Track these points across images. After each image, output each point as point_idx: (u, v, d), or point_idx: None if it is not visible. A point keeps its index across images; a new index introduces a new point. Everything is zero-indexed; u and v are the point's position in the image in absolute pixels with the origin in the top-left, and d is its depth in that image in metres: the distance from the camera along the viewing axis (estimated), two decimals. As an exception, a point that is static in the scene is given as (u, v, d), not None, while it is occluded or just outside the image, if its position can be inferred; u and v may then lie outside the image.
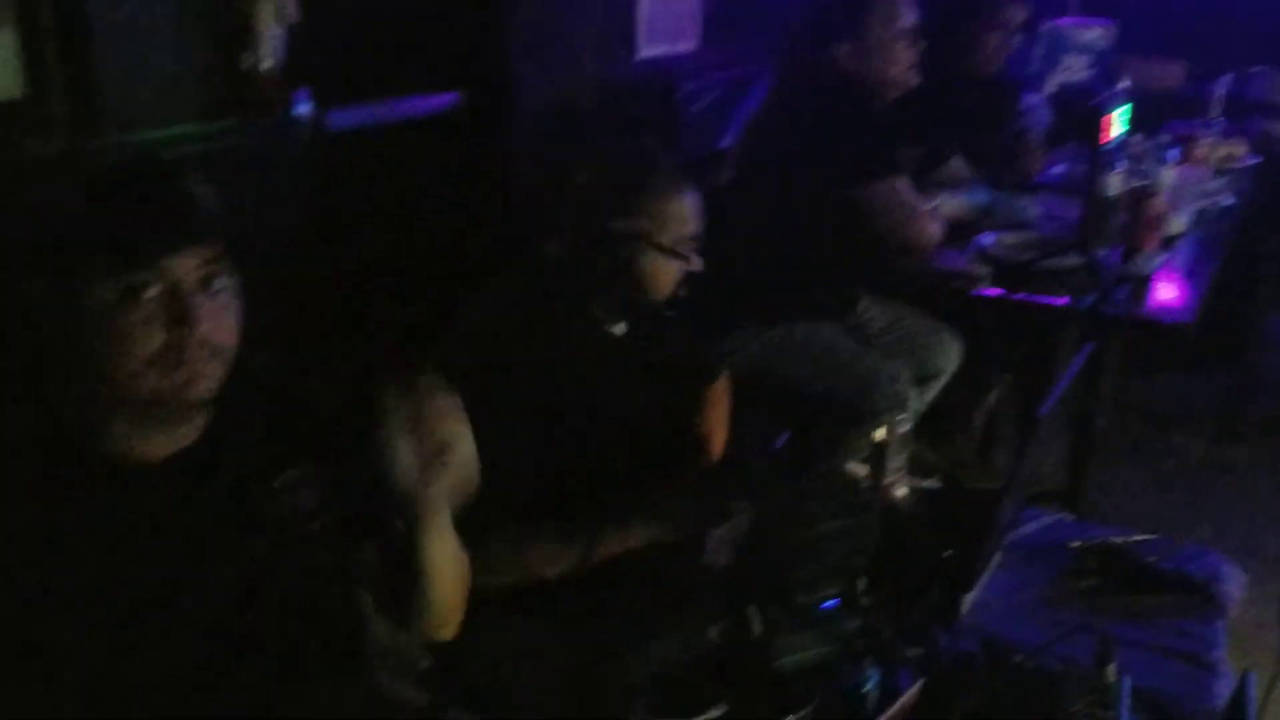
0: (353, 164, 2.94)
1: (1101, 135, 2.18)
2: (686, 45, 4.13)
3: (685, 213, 1.80)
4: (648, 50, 3.89)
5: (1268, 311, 4.05)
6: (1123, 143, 2.53)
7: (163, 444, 1.24)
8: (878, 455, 1.98)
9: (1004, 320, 2.48)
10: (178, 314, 1.17)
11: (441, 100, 3.21)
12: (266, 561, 1.29)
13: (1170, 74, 4.97)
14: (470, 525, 1.59)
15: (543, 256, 1.86)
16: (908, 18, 2.49)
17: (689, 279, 1.85)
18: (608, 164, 1.85)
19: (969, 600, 1.68)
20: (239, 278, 1.25)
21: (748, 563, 1.55)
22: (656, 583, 1.83)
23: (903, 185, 2.39)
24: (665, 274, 1.81)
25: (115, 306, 1.15)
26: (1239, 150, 3.54)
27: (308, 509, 1.34)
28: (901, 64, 2.48)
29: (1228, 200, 2.96)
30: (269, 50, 2.53)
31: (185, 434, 1.25)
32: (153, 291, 1.16)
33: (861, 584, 1.59)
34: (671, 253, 1.79)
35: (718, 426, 2.11)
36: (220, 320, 1.21)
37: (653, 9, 3.85)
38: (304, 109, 2.72)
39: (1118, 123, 2.35)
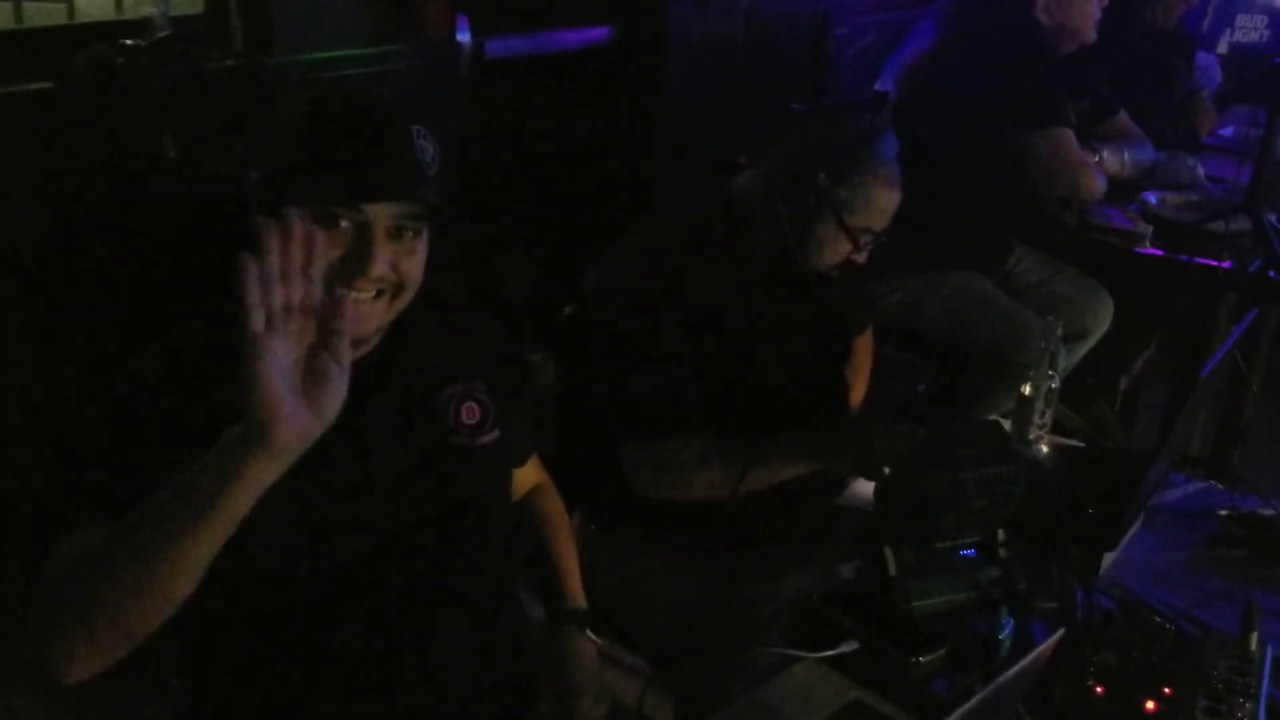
0: (509, 92, 2.99)
1: (1282, 97, 2.09)
2: (846, -15, 4.03)
3: (882, 205, 1.80)
4: (801, -13, 3.82)
5: None
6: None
7: None
8: (1023, 410, 1.97)
9: (1162, 281, 2.40)
10: (362, 250, 1.22)
11: (595, 33, 3.23)
12: (429, 466, 1.35)
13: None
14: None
15: (729, 189, 1.87)
16: None
17: (845, 265, 1.85)
18: (839, 125, 1.83)
19: (1109, 559, 1.66)
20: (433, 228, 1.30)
21: (888, 504, 1.55)
22: (795, 518, 1.86)
23: (1068, 135, 2.33)
24: (833, 251, 1.81)
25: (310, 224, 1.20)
26: None
27: (473, 422, 1.39)
28: (1090, 19, 2.45)
29: None
30: (435, -24, 2.58)
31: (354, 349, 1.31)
32: (344, 223, 1.22)
33: (1001, 534, 1.59)
34: (850, 235, 1.79)
35: (859, 376, 2.12)
36: (399, 263, 1.25)
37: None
38: (465, 37, 2.77)
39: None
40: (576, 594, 1.56)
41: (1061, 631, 1.17)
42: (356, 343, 1.27)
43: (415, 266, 1.28)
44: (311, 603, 1.27)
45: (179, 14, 2.15)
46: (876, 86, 4.20)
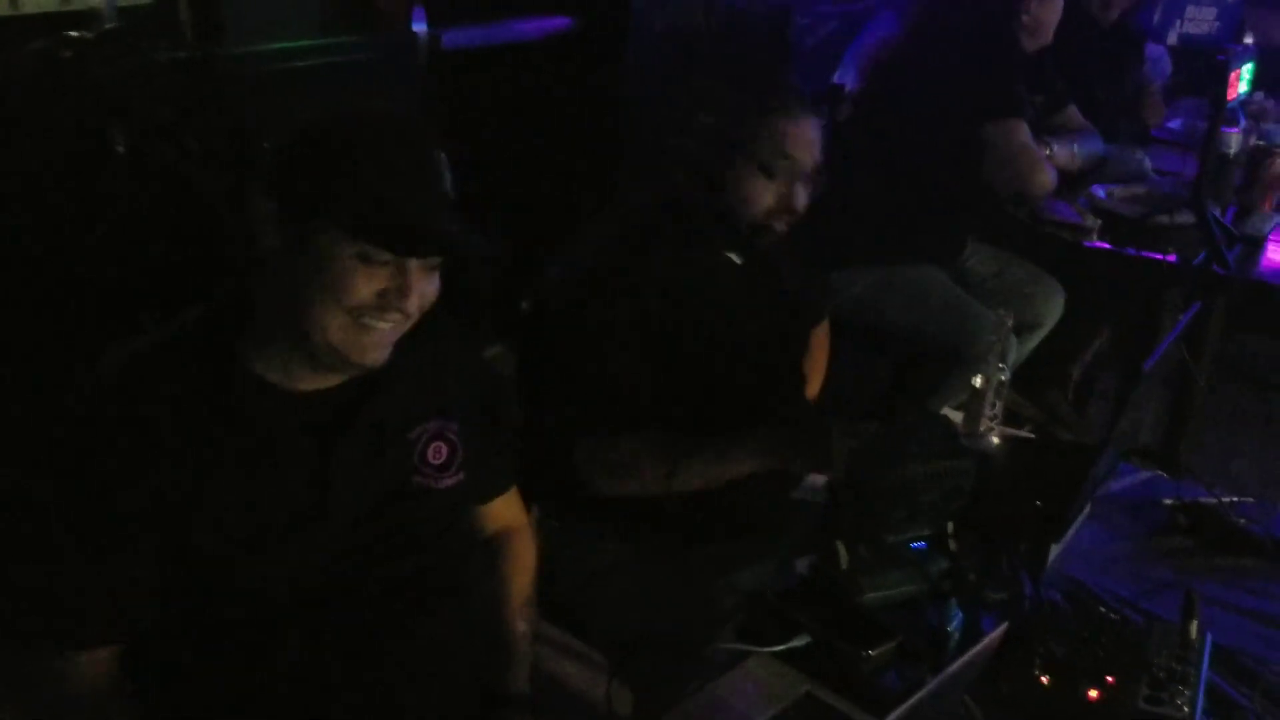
0: (467, 83, 2.97)
1: (1227, 91, 2.12)
2: (807, -26, 4.05)
3: (788, 131, 1.74)
4: (768, -22, 3.83)
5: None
6: (1245, 100, 2.45)
7: (311, 379, 1.29)
8: (974, 402, 1.99)
9: (1110, 274, 2.44)
10: (401, 285, 1.22)
11: (555, 23, 3.22)
12: (386, 504, 1.34)
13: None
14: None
15: (665, 178, 1.87)
16: None
17: (798, 217, 1.83)
18: (727, 74, 1.83)
19: (1056, 550, 1.69)
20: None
21: (840, 499, 1.57)
22: (750, 512, 1.87)
23: (1022, 127, 2.36)
24: (755, 194, 1.76)
25: (345, 258, 1.20)
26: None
27: (438, 462, 1.39)
28: (1053, 23, 2.48)
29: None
30: (393, -32, 2.56)
31: (332, 377, 1.31)
32: (385, 258, 1.22)
33: (951, 527, 1.61)
34: (764, 170, 1.74)
35: (816, 369, 2.13)
36: (425, 290, 1.26)
37: (770, -62, 3.79)
38: (421, 27, 2.75)
39: (1243, 79, 2.28)
40: (520, 679, 1.50)
41: (1006, 625, 1.19)
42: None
43: (434, 290, 1.29)
44: (257, 625, 1.27)
45: (126, 5, 2.12)
46: (836, 76, 4.23)
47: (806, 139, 1.77)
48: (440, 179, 1.26)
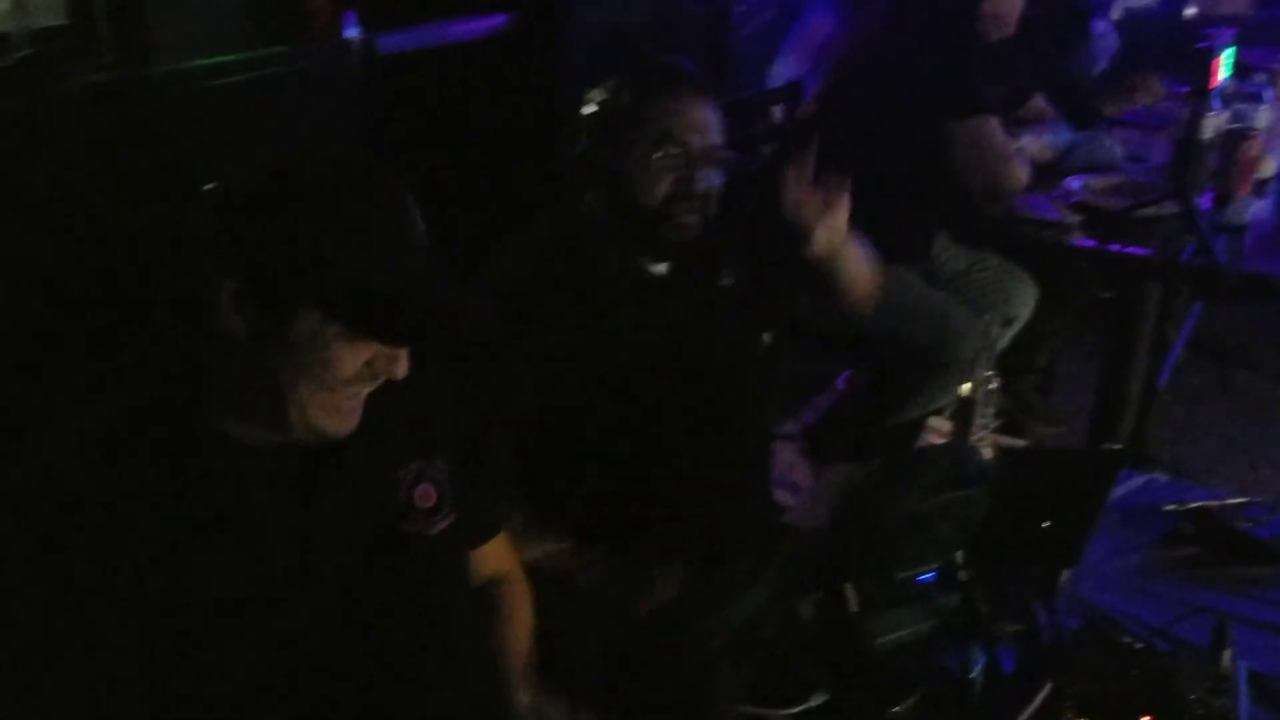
0: (405, 88, 2.85)
1: (1210, 79, 2.06)
2: (740, -38, 3.97)
3: (677, 112, 1.65)
4: (701, -32, 3.75)
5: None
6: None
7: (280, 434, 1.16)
8: (965, 412, 1.91)
9: (1094, 270, 2.38)
10: (389, 355, 1.12)
11: (492, 22, 3.11)
12: (376, 556, 1.23)
13: (1239, -1, 4.77)
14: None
15: (578, 192, 1.76)
16: None
17: (734, 222, 1.74)
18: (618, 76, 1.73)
19: (1067, 570, 1.61)
20: None
21: (848, 535, 1.48)
22: (733, 541, 1.78)
23: (993, 124, 2.28)
24: (648, 179, 1.65)
25: (329, 338, 1.08)
26: (1322, 83, 3.37)
27: (427, 506, 1.27)
28: (1017, 9, 2.41)
29: (1319, 140, 2.82)
30: (322, -28, 2.42)
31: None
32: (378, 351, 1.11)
33: (960, 556, 1.53)
34: (653, 150, 1.64)
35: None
36: (406, 361, 1.15)
37: (707, -75, 3.70)
38: (354, 33, 2.63)
39: (1224, 65, 2.22)
40: None
41: (1050, 685, 1.10)
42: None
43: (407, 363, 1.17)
44: (242, 699, 1.15)
45: (41, 25, 1.96)
46: (778, 64, 4.16)
47: (695, 120, 1.67)
48: (422, 237, 1.13)
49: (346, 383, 1.11)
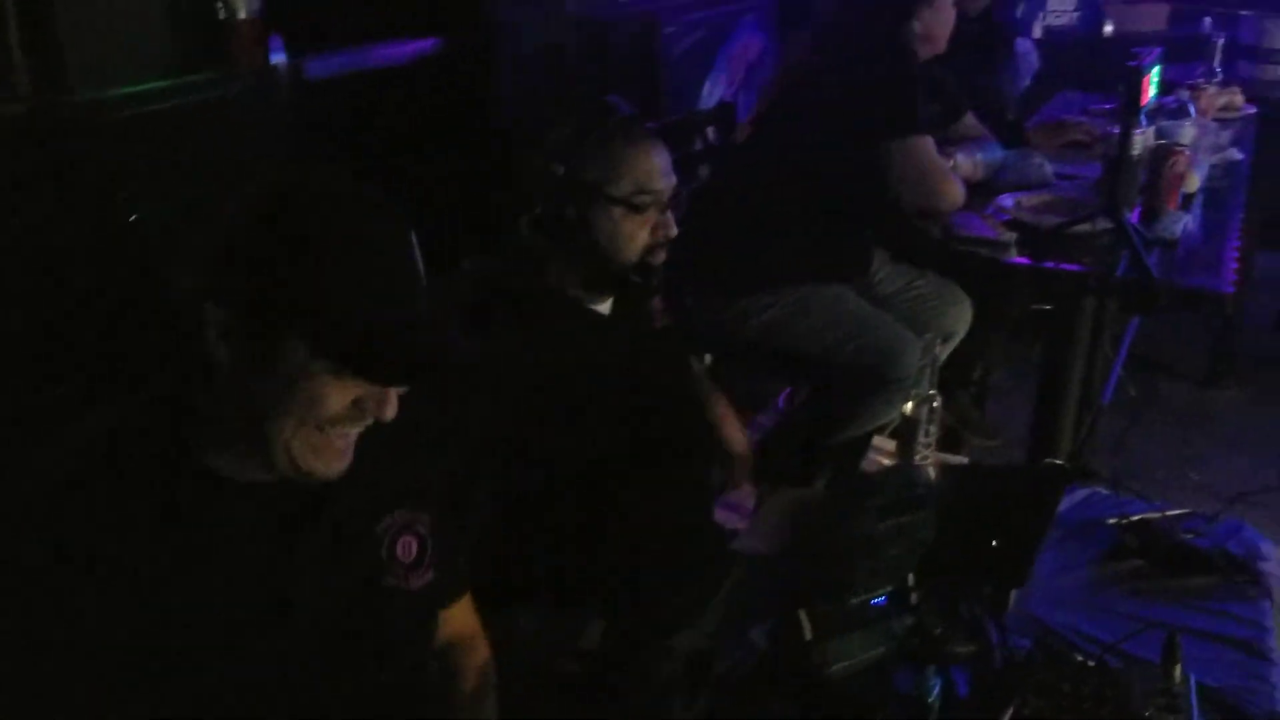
0: (333, 114, 2.80)
1: (1141, 97, 2.09)
2: (669, -16, 3.98)
3: (639, 160, 1.66)
4: (631, -10, 3.76)
5: (1252, 251, 4.02)
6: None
7: (270, 471, 1.11)
8: (908, 430, 1.91)
9: (1030, 287, 2.40)
10: (377, 396, 1.07)
11: (422, 46, 3.08)
12: (355, 609, 1.18)
13: (1155, 17, 4.90)
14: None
15: (518, 232, 1.74)
16: None
17: (671, 245, 1.73)
18: (564, 118, 1.72)
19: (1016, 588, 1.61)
20: None
21: (799, 561, 1.46)
22: (680, 564, 1.75)
23: (928, 143, 2.30)
24: (626, 234, 1.67)
25: (317, 374, 1.03)
26: (1238, 100, 3.47)
27: (409, 560, 1.23)
28: (949, 30, 2.44)
29: (1237, 155, 2.88)
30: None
31: None
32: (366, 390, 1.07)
33: (911, 578, 1.52)
34: (628, 206, 1.66)
35: (726, 415, 2.02)
36: (395, 404, 1.10)
37: (636, -53, 3.70)
38: (280, 58, 2.58)
39: (1153, 83, 2.26)
40: None
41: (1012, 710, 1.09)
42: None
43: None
44: None
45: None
46: (708, 85, 4.17)
47: (663, 166, 1.70)
48: (418, 276, 1.09)
49: (333, 422, 1.06)
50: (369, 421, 1.09)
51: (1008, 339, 3.12)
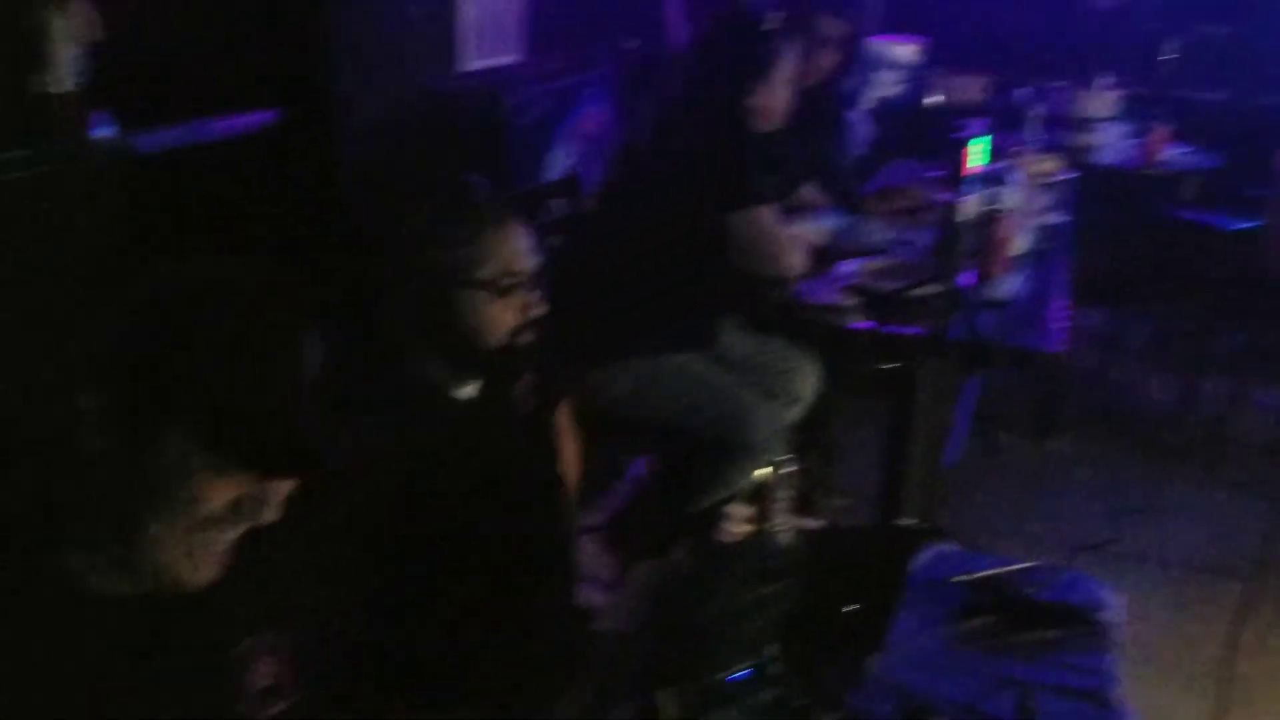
0: (167, 189, 2.70)
1: (967, 166, 2.19)
2: (512, 56, 4.01)
3: (508, 246, 1.65)
4: (473, 61, 3.76)
5: (1075, 304, 4.25)
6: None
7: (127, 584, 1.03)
8: (763, 496, 1.92)
9: (874, 350, 2.47)
10: (258, 493, 1.01)
11: (260, 118, 3.00)
12: None
13: (975, 87, 5.16)
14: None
15: (375, 317, 1.70)
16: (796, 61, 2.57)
17: (536, 325, 1.71)
18: (421, 201, 1.69)
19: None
20: None
21: (658, 639, 1.44)
22: (544, 651, 1.71)
23: (769, 214, 2.35)
24: (492, 316, 1.65)
25: (196, 468, 0.97)
26: (1055, 165, 3.67)
27: (268, 685, 1.15)
28: (785, 104, 2.50)
29: (1060, 217, 3.04)
30: (65, 70, 2.29)
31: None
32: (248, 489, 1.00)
33: (772, 651, 1.51)
34: (493, 289, 1.63)
35: (573, 461, 2.00)
36: (282, 490, 1.04)
37: (477, 21, 3.72)
38: (106, 132, 2.48)
39: (979, 153, 2.37)
40: None
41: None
42: None
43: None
44: None
45: None
46: (553, 153, 4.19)
47: (527, 246, 1.68)
48: (313, 366, 1.04)
49: (210, 524, 0.99)
50: (246, 525, 1.03)
51: (855, 397, 3.19)
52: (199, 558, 1.01)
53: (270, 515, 1.02)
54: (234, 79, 2.96)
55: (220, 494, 0.98)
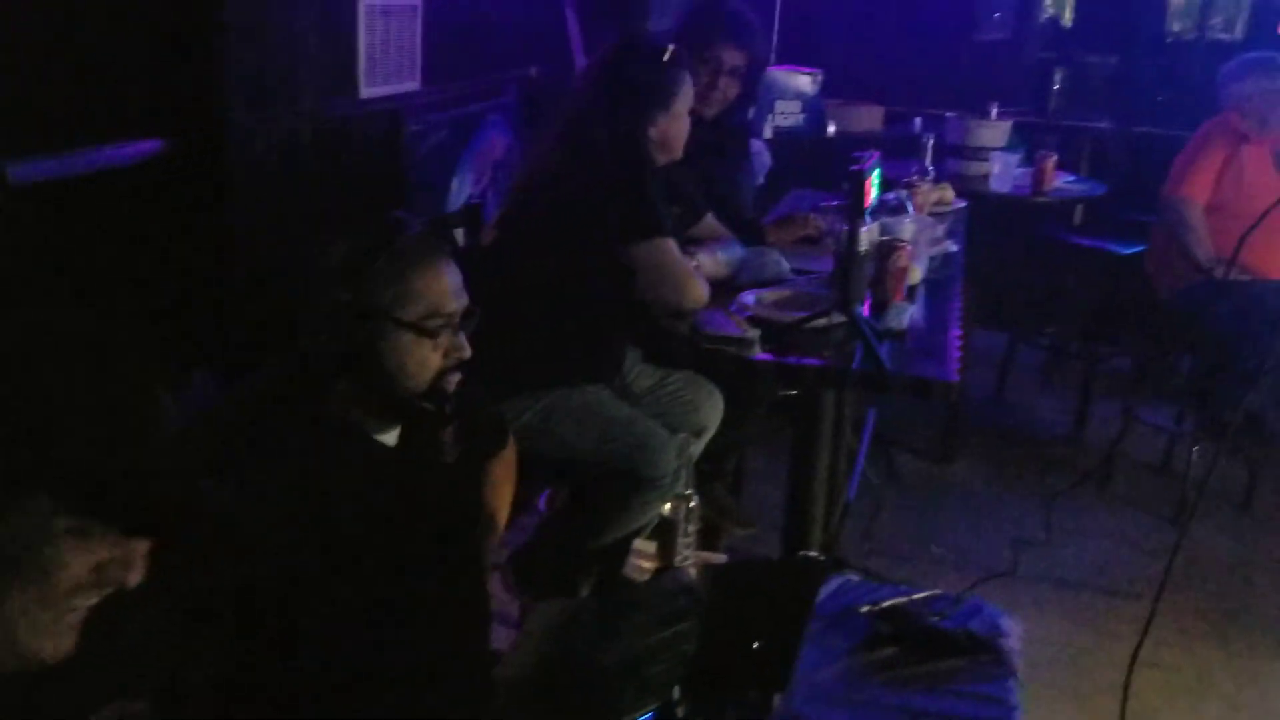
0: (45, 221, 2.59)
1: (864, 199, 2.21)
2: (410, 84, 3.95)
3: (436, 286, 1.59)
4: (371, 89, 3.70)
5: (970, 331, 4.33)
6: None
7: None
8: (667, 532, 1.91)
9: (775, 381, 2.48)
10: (122, 557, 0.95)
11: (143, 148, 2.89)
12: None
13: (871, 118, 5.27)
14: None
15: (295, 358, 1.63)
16: (693, 92, 2.57)
17: (463, 367, 1.66)
18: (343, 237, 1.63)
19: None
20: None
21: (558, 685, 1.41)
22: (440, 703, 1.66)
23: (671, 245, 2.34)
24: (417, 358, 1.59)
25: (55, 534, 0.90)
26: (949, 195, 3.74)
27: None
28: (684, 137, 2.51)
29: (953, 246, 3.10)
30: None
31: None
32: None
33: (677, 691, 1.49)
34: (419, 331, 1.57)
35: (501, 501, 1.96)
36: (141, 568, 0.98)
37: (374, 48, 3.66)
38: (-24, 161, 2.36)
39: (874, 185, 2.40)
40: None
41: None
42: None
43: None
44: None
45: None
46: (455, 184, 4.15)
47: (454, 286, 1.62)
48: (167, 419, 0.99)
49: (71, 592, 0.93)
50: (108, 592, 0.97)
51: (759, 424, 3.20)
52: (57, 631, 0.94)
53: (136, 578, 0.97)
54: (118, 107, 2.85)
55: (83, 561, 0.93)
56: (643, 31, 3.94)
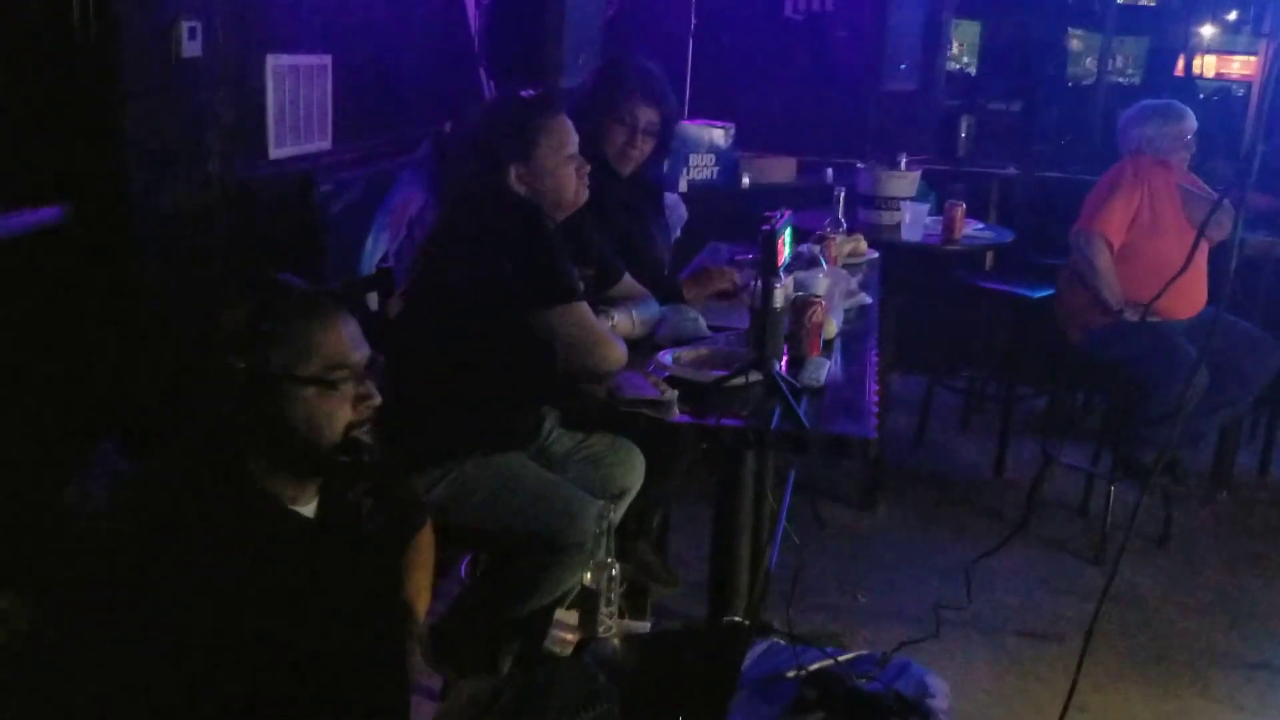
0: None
1: (777, 257, 2.22)
2: (321, 143, 3.91)
3: (331, 338, 1.56)
4: (280, 150, 3.64)
5: (889, 377, 4.38)
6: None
7: None
8: (589, 603, 1.87)
9: (695, 441, 2.45)
10: None
11: (43, 215, 2.81)
12: None
13: (784, 170, 5.34)
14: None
15: (202, 428, 1.58)
16: (575, 143, 2.49)
17: (373, 418, 1.62)
18: (228, 306, 1.59)
19: (708, 764, 1.59)
20: None
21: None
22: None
23: (584, 309, 2.31)
24: (325, 412, 1.55)
25: None
26: (862, 246, 3.78)
27: None
28: (570, 186, 2.46)
29: (866, 299, 3.13)
30: None
31: None
32: None
33: (601, 772, 1.45)
34: (320, 384, 1.54)
35: (422, 583, 1.91)
36: None
37: (283, 107, 3.61)
38: None
39: (787, 244, 2.41)
40: None
41: None
42: None
43: None
44: None
45: None
46: (370, 242, 4.09)
47: (351, 336, 1.60)
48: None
49: None
50: None
51: (681, 479, 3.18)
52: None
53: None
54: (12, 173, 2.77)
55: None
56: (553, 88, 3.93)
